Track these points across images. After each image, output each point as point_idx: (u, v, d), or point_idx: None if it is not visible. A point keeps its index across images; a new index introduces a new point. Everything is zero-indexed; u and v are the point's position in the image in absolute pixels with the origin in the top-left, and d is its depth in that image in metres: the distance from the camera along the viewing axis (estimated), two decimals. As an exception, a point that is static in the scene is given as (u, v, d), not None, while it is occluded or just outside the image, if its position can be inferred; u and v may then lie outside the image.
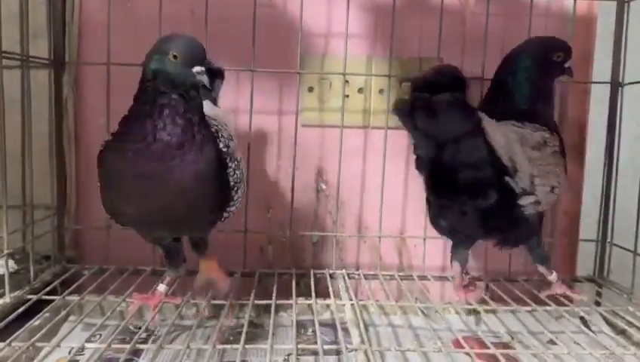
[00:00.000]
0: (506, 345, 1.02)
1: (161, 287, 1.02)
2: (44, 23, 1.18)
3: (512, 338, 1.06)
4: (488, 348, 0.93)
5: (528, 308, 1.09)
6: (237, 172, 0.94)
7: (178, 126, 0.83)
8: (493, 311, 1.13)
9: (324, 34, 1.31)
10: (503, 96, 1.07)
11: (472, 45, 1.30)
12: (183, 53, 0.84)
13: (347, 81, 1.28)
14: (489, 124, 0.92)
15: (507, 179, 0.92)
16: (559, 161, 1.04)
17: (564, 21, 1.31)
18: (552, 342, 1.00)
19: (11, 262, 1.14)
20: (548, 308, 1.09)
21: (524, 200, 0.95)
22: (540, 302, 1.12)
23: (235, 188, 0.94)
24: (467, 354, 0.90)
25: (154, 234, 0.98)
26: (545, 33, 1.31)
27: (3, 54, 0.98)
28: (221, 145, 0.91)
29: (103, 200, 0.90)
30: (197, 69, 0.85)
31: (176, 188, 0.84)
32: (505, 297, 1.15)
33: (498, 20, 1.29)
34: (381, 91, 1.31)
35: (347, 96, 1.29)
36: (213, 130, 0.92)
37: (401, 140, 1.32)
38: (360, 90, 1.31)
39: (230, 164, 0.92)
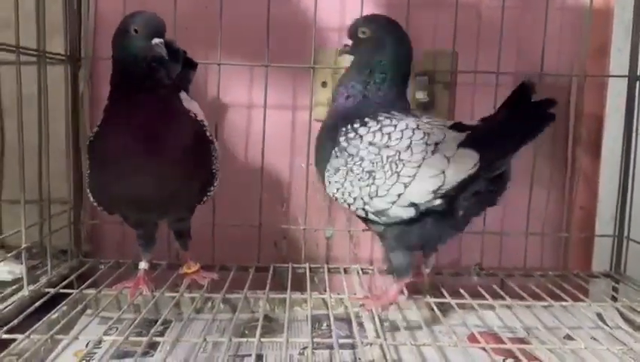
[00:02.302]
0: (521, 341, 1.01)
1: (142, 264, 1.08)
2: (60, 19, 1.18)
3: (528, 333, 1.05)
4: (504, 343, 0.92)
5: (544, 303, 1.09)
6: (217, 161, 1.03)
7: (153, 105, 0.89)
8: (509, 307, 1.12)
9: (337, 28, 1.30)
10: None
11: (487, 39, 1.29)
12: (142, 27, 0.90)
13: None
14: None
15: None
16: None
17: (580, 14, 1.30)
18: (568, 337, 0.99)
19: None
20: (564, 303, 1.08)
21: None
22: (556, 297, 1.11)
23: (216, 176, 1.04)
24: (483, 349, 0.90)
25: (140, 216, 1.04)
26: (561, 27, 1.30)
27: (20, 50, 0.98)
28: (208, 134, 0.99)
29: (91, 188, 0.98)
30: (155, 40, 0.89)
31: (159, 166, 0.90)
32: (520, 292, 1.14)
33: (513, 14, 1.28)
34: (395, 86, 1.30)
35: (361, 90, 1.28)
36: (198, 118, 1.00)
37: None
38: (374, 85, 1.30)
39: (213, 153, 1.01)
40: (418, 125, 0.91)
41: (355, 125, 0.93)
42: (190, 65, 1.13)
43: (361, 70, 0.98)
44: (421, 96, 1.29)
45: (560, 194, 1.37)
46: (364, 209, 0.93)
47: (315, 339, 0.88)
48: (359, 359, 0.90)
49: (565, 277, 1.24)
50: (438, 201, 0.87)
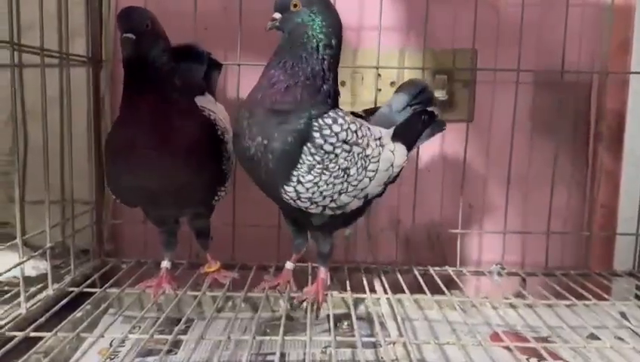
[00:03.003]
0: (545, 340, 1.01)
1: (165, 263, 1.09)
2: (81, 22, 1.19)
3: (552, 332, 1.04)
4: (528, 341, 0.91)
5: (567, 302, 1.08)
6: (228, 162, 1.03)
7: (151, 103, 0.90)
8: (531, 306, 1.11)
9: (355, 27, 1.30)
10: None
11: (506, 36, 1.28)
12: (119, 24, 0.90)
13: (379, 75, 1.27)
14: None
15: None
16: None
17: (601, 11, 1.29)
18: (592, 336, 0.98)
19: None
20: (587, 302, 1.07)
21: None
22: (578, 296, 1.10)
23: (227, 176, 1.04)
24: (507, 348, 0.89)
25: (153, 210, 1.05)
26: (581, 24, 1.29)
27: (45, 52, 1.00)
28: (219, 133, 1.01)
29: (107, 182, 1.01)
30: (126, 35, 0.89)
31: (167, 160, 0.91)
32: (543, 291, 1.13)
33: (533, 10, 1.27)
34: (414, 84, 1.30)
35: (379, 90, 1.29)
36: (212, 117, 1.01)
37: (434, 133, 1.31)
38: (392, 84, 1.30)
39: (224, 153, 1.01)
40: (362, 123, 0.95)
41: (327, 121, 0.88)
42: (215, 66, 1.14)
43: (296, 51, 0.88)
44: (440, 94, 1.28)
45: (581, 192, 1.36)
46: (325, 206, 0.91)
47: (338, 338, 0.88)
48: (382, 358, 0.90)
49: (587, 276, 1.23)
50: (382, 190, 1.00)
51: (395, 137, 0.99)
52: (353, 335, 0.91)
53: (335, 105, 0.92)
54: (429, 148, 1.30)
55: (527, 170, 1.33)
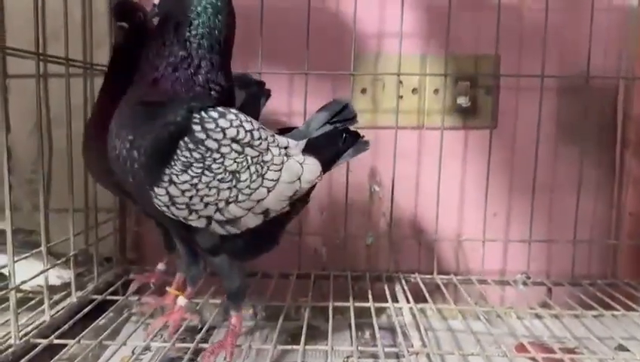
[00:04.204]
0: (572, 351, 0.98)
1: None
2: (105, 32, 1.21)
3: (579, 343, 1.02)
4: (554, 352, 0.90)
5: (594, 313, 1.05)
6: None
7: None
8: (557, 316, 1.09)
9: (376, 34, 1.30)
10: None
11: (529, 41, 1.27)
12: (113, 13, 0.95)
13: (401, 82, 1.26)
14: None
15: None
16: None
17: (626, 15, 1.26)
18: (621, 347, 0.96)
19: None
20: (615, 312, 1.05)
21: None
22: (606, 306, 1.08)
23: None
24: (533, 359, 0.87)
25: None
26: (607, 28, 1.27)
27: (70, 62, 1.01)
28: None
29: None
30: (119, 23, 0.94)
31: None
32: (569, 301, 1.11)
33: (557, 15, 1.25)
34: (436, 91, 1.29)
35: (401, 97, 1.28)
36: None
37: (456, 141, 1.30)
38: (414, 91, 1.29)
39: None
40: (262, 126, 0.82)
41: (212, 114, 0.75)
42: (262, 93, 1.11)
43: (161, 37, 0.76)
44: (462, 101, 1.27)
45: (608, 200, 1.33)
46: (210, 218, 0.77)
47: (360, 348, 0.87)
48: (405, 368, 0.89)
49: (615, 286, 1.20)
50: (287, 208, 0.84)
51: (308, 150, 0.86)
52: (375, 346, 0.90)
53: (228, 102, 0.79)
54: (452, 154, 1.29)
55: (552, 178, 1.30)
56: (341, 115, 0.91)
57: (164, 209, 0.75)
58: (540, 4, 1.23)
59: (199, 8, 0.75)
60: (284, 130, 0.91)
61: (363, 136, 0.94)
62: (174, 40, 0.75)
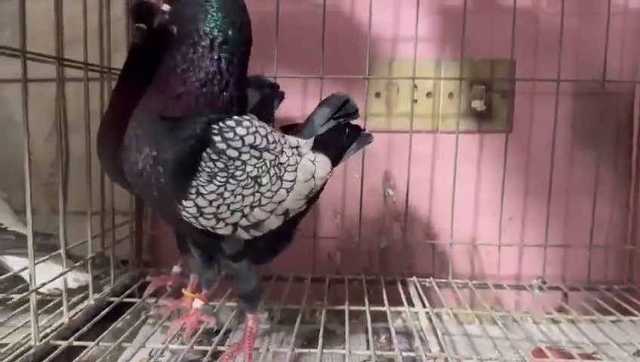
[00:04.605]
0: (590, 356, 0.98)
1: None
2: (122, 37, 1.22)
3: (596, 349, 1.01)
4: (573, 358, 0.89)
5: (612, 318, 1.05)
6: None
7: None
8: (574, 321, 1.09)
9: (391, 38, 1.30)
10: None
11: (545, 45, 1.26)
12: (132, 14, 0.96)
13: (415, 86, 1.27)
14: None
15: None
16: None
17: (643, 18, 1.26)
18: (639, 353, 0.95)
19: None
20: (633, 318, 1.04)
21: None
22: (623, 311, 1.07)
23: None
24: (551, 364, 0.87)
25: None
26: (623, 32, 1.26)
27: (88, 67, 1.02)
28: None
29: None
30: (137, 25, 0.95)
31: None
32: (586, 306, 1.10)
33: (573, 19, 1.24)
34: (450, 95, 1.29)
35: (415, 100, 1.28)
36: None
37: (471, 144, 1.30)
38: (428, 95, 1.29)
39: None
40: (273, 128, 0.82)
41: (229, 123, 0.75)
42: (276, 96, 1.09)
43: (187, 51, 0.74)
44: (478, 105, 1.27)
45: (624, 205, 1.32)
46: (236, 224, 0.77)
47: (377, 352, 0.87)
48: (423, 373, 0.89)
49: (632, 291, 1.19)
50: (304, 206, 0.85)
51: (317, 148, 0.87)
52: (392, 349, 0.89)
53: (242, 112, 0.78)
54: (467, 158, 1.29)
55: (568, 182, 1.29)
56: (343, 110, 0.91)
57: (192, 220, 0.74)
58: (555, 8, 1.23)
59: (225, 21, 0.74)
60: (287, 128, 0.91)
61: (364, 130, 0.95)
62: (204, 55, 0.73)
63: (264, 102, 1.10)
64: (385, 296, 1.11)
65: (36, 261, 0.85)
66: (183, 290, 1.06)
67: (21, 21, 0.81)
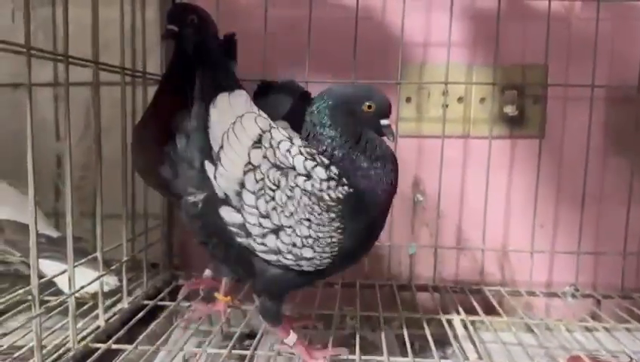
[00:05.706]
0: (627, 366, 0.96)
1: (207, 272, 1.10)
2: (155, 41, 1.22)
3: (632, 357, 1.00)
4: (611, 366, 0.88)
5: (648, 327, 1.03)
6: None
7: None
8: (608, 329, 1.07)
9: (422, 43, 1.30)
10: None
11: (578, 51, 1.25)
12: (166, 17, 0.97)
13: (447, 91, 1.26)
14: None
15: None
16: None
17: (678, 23, 1.24)
18: (679, 363, 0.94)
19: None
20: (672, 327, 1.03)
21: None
22: (660, 320, 1.06)
23: None
24: (590, 372, 0.86)
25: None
26: (656, 36, 1.25)
27: (125, 71, 1.03)
28: None
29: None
30: (168, 27, 0.96)
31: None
32: (621, 313, 1.09)
33: (606, 24, 1.23)
34: (482, 100, 1.28)
35: (446, 105, 1.27)
36: None
37: (503, 150, 1.29)
38: (460, 100, 1.29)
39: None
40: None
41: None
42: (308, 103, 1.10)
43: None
44: (510, 110, 1.26)
45: (658, 212, 1.30)
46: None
47: (416, 359, 0.86)
48: (462, 381, 0.88)
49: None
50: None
51: None
52: (430, 357, 0.89)
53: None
54: (498, 164, 1.28)
55: (601, 189, 1.28)
56: None
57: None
58: (588, 14, 1.22)
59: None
60: None
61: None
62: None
63: (296, 108, 1.09)
64: (417, 303, 1.11)
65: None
66: (216, 294, 1.07)
67: (65, 27, 0.82)
